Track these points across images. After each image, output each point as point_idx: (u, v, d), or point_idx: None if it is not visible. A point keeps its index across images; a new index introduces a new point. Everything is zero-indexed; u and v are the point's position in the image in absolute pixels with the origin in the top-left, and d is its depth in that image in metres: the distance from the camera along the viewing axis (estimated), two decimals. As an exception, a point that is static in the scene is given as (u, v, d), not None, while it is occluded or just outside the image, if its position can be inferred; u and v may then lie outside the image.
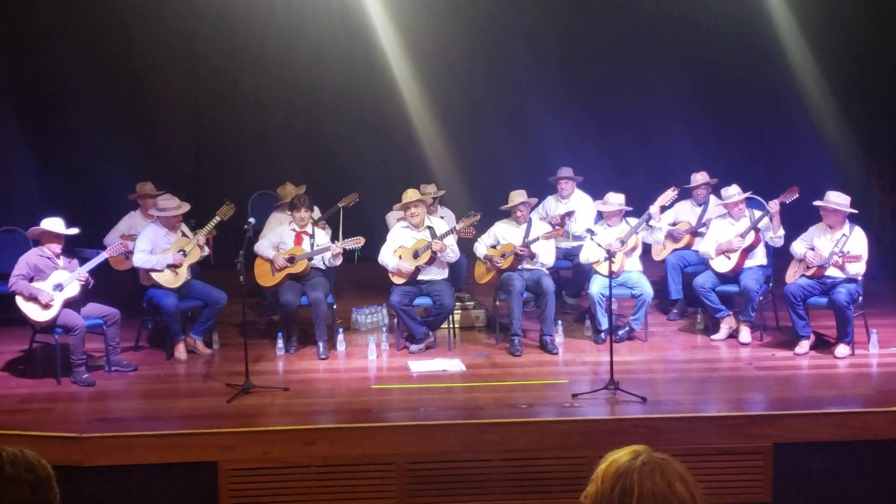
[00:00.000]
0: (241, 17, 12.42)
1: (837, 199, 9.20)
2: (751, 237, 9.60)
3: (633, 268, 9.80)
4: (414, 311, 9.64)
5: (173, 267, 9.39)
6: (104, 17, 12.44)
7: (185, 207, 9.69)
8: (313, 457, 7.54)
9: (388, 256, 9.67)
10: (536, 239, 9.64)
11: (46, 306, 8.68)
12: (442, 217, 10.50)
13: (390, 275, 9.68)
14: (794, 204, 9.59)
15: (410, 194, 9.80)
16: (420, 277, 9.63)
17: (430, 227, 9.74)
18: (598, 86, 13.23)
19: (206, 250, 9.65)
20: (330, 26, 12.51)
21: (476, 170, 12.93)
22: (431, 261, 9.59)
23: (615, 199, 9.92)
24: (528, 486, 7.61)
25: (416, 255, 9.59)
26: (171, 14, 12.38)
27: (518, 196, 9.90)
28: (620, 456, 2.41)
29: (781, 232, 9.57)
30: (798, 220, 9.79)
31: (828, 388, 8.56)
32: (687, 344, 9.87)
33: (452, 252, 9.65)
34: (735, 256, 9.62)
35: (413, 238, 9.68)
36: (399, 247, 9.68)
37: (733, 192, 9.77)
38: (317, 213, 10.42)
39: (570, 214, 10.72)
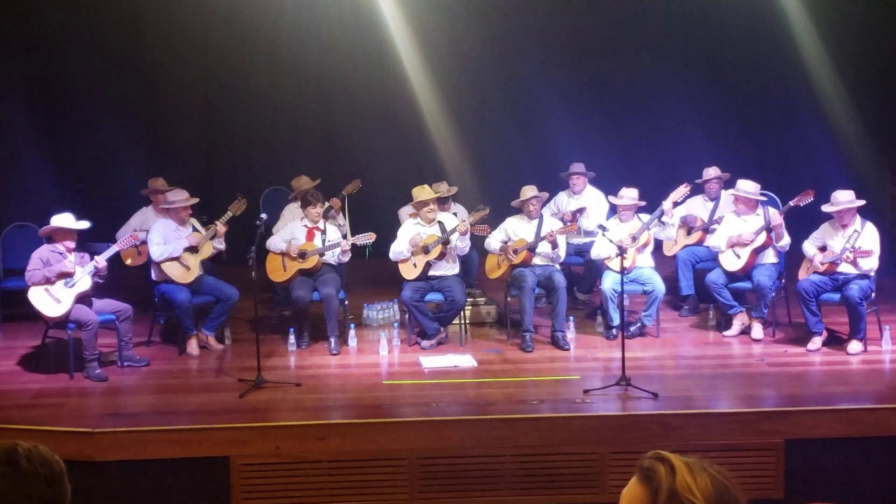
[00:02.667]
0: (253, 13, 12.44)
1: (845, 198, 9.15)
2: (762, 238, 9.57)
3: (644, 264, 9.79)
4: (425, 307, 9.64)
5: (190, 250, 9.41)
6: (115, 14, 12.47)
7: (194, 201, 9.72)
8: (325, 452, 7.56)
9: (400, 245, 9.65)
10: (548, 235, 9.62)
11: (69, 275, 8.69)
12: (455, 213, 10.50)
13: (401, 269, 9.67)
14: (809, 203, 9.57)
15: (428, 191, 9.79)
16: (431, 273, 9.64)
17: (440, 223, 9.74)
18: (610, 81, 13.21)
19: (222, 244, 9.66)
20: (341, 22, 12.53)
21: (487, 165, 12.92)
22: (442, 256, 9.58)
23: (629, 194, 9.92)
24: (538, 482, 7.61)
25: (426, 251, 9.58)
26: (183, 10, 12.42)
27: (529, 191, 9.89)
28: (692, 469, 2.32)
29: (786, 240, 9.55)
30: (809, 218, 9.75)
31: (840, 384, 8.54)
32: (699, 340, 9.86)
33: (465, 243, 9.63)
34: (745, 256, 9.59)
35: (424, 233, 9.67)
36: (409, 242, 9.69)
37: (751, 188, 9.73)
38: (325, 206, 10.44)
39: (581, 211, 10.72)
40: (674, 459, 2.32)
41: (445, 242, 9.54)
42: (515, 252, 9.73)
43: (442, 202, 10.37)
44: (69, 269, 8.72)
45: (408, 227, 9.82)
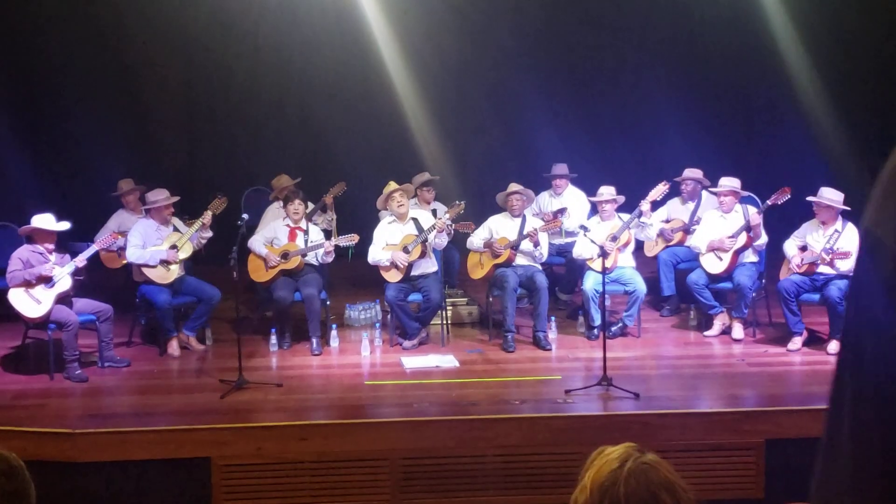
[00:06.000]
0: (235, 13, 12.42)
1: (831, 196, 9.21)
2: (742, 239, 9.61)
3: (626, 264, 9.81)
4: (409, 307, 9.64)
5: (166, 263, 9.38)
6: (98, 12, 12.43)
7: (174, 199, 9.69)
8: (306, 453, 7.55)
9: (379, 253, 9.64)
10: (531, 233, 9.62)
11: (49, 279, 8.66)
12: (434, 210, 10.51)
13: (383, 272, 9.66)
14: (787, 200, 9.60)
15: (392, 185, 9.82)
16: (413, 273, 9.63)
17: (414, 219, 9.73)
18: (591, 81, 13.24)
19: (209, 232, 9.58)
20: (323, 21, 12.52)
21: (470, 166, 12.93)
22: (423, 254, 9.58)
23: (607, 191, 9.96)
24: (520, 482, 7.62)
25: (405, 251, 9.57)
26: (166, 9, 12.39)
27: (515, 187, 9.91)
28: (609, 461, 2.39)
29: (763, 239, 9.60)
30: (791, 217, 9.80)
31: (820, 384, 8.55)
32: (680, 340, 9.89)
33: (442, 239, 9.63)
34: (727, 258, 9.63)
35: (400, 233, 9.67)
36: (386, 244, 9.67)
37: (732, 183, 9.77)
38: (310, 207, 10.42)
39: (562, 211, 10.74)
40: (605, 452, 2.39)
41: (424, 241, 9.54)
42: (502, 247, 9.69)
43: (426, 187, 10.53)
44: (49, 274, 8.68)
45: (383, 228, 9.80)
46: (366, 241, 9.82)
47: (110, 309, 9.10)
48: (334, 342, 9.69)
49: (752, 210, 9.73)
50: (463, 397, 8.30)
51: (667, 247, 10.50)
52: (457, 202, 9.71)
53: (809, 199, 9.29)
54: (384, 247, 9.65)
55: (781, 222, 9.87)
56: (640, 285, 9.67)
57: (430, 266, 9.71)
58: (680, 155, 11.34)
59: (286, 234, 9.77)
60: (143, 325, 10.03)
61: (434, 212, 10.46)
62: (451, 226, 9.64)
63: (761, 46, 12.68)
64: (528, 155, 12.41)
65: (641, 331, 9.92)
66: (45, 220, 8.81)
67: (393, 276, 9.60)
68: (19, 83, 12.66)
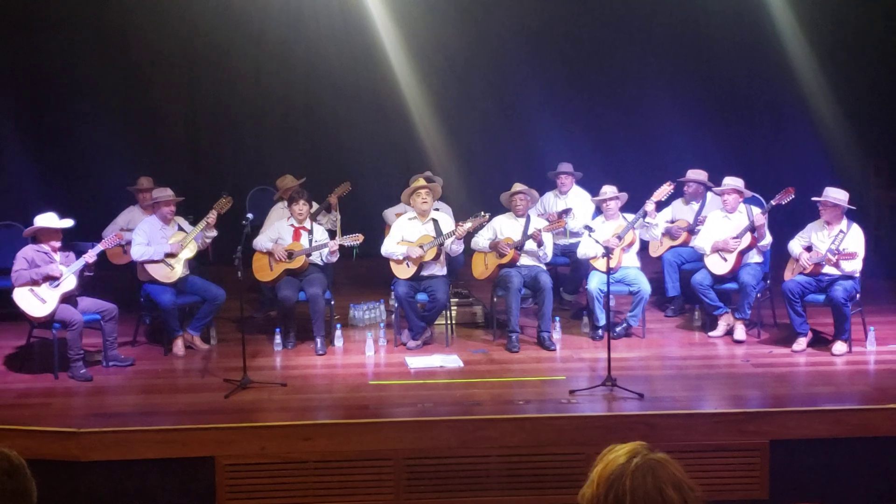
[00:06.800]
0: (240, 12, 12.43)
1: (836, 196, 9.19)
2: (747, 239, 9.59)
3: (630, 264, 9.81)
4: (417, 305, 9.64)
5: (170, 256, 9.38)
6: (103, 11, 12.45)
7: (179, 199, 9.69)
8: (311, 452, 7.55)
9: (394, 246, 9.64)
10: (535, 233, 9.61)
11: (55, 279, 8.66)
12: (437, 209, 10.51)
13: (393, 267, 9.65)
14: (792, 200, 9.58)
15: (420, 181, 9.81)
16: (422, 273, 9.62)
17: (434, 220, 9.73)
18: (596, 81, 13.25)
19: (214, 231, 9.59)
20: (328, 21, 12.54)
21: (475, 166, 12.93)
22: (436, 257, 9.58)
23: (609, 190, 9.96)
24: (524, 483, 7.61)
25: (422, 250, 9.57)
26: (170, 8, 12.41)
27: (519, 186, 9.90)
28: (617, 456, 2.41)
29: (768, 239, 9.58)
30: (796, 217, 9.79)
31: (825, 385, 8.56)
32: (684, 341, 9.88)
33: (459, 246, 9.63)
34: (731, 259, 9.62)
35: (418, 231, 9.65)
36: (402, 240, 9.66)
37: (735, 183, 9.76)
38: (314, 207, 10.42)
39: (567, 211, 10.73)
40: (614, 449, 2.41)
41: (441, 244, 9.53)
42: (508, 246, 9.69)
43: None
44: (55, 273, 8.68)
45: (402, 223, 9.79)
46: (369, 240, 9.81)
47: (115, 308, 9.11)
48: (338, 342, 9.69)
49: (756, 210, 9.71)
50: (467, 397, 8.29)
51: (671, 247, 10.49)
52: (481, 213, 9.60)
53: (814, 199, 9.28)
54: (399, 242, 9.65)
55: (786, 223, 9.86)
56: (644, 286, 9.67)
57: (440, 269, 9.70)
58: (684, 155, 11.34)
59: (291, 234, 9.78)
60: (147, 324, 10.04)
61: (436, 211, 10.44)
62: (466, 230, 9.56)
63: (766, 46, 12.67)
64: (532, 155, 12.42)
65: (646, 331, 9.91)
66: (48, 219, 8.81)
67: (403, 273, 9.59)
68: (24, 82, 12.68)
